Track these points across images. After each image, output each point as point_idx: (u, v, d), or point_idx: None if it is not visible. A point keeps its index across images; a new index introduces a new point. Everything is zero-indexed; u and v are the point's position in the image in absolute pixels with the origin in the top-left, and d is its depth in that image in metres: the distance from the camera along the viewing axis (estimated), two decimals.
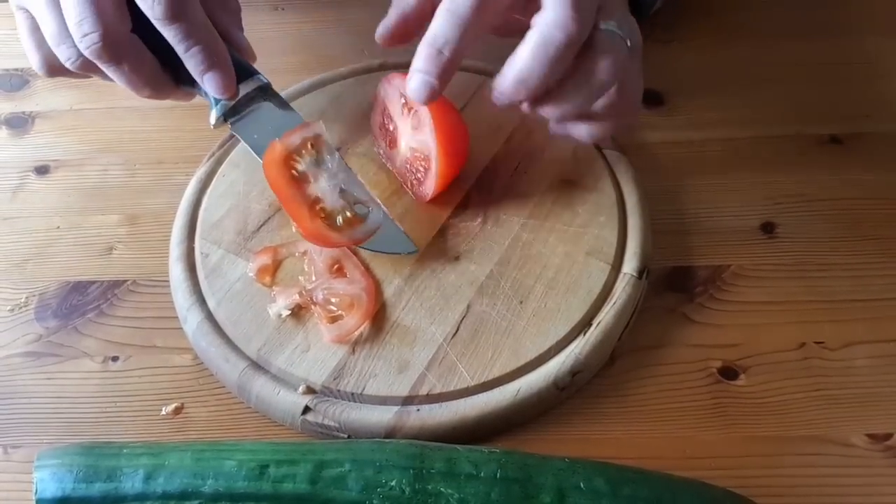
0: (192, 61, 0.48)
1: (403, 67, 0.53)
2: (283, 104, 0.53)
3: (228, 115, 0.51)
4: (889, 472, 0.44)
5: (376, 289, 0.50)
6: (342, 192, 0.50)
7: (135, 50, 0.48)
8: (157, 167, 0.60)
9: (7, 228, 0.57)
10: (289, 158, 0.50)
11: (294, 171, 0.50)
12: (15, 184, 0.60)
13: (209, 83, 0.49)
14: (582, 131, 0.49)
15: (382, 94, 0.55)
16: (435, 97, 0.45)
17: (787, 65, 0.64)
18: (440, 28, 0.44)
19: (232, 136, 0.59)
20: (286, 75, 0.63)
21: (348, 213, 0.50)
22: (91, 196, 0.59)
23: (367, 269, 0.50)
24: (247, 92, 0.51)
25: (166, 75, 0.50)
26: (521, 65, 0.43)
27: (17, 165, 0.61)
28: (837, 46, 0.65)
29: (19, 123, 0.64)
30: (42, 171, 0.60)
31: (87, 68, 0.48)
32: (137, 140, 0.62)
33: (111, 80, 0.49)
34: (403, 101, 0.53)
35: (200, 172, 0.57)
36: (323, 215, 0.49)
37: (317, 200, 0.50)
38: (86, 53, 0.46)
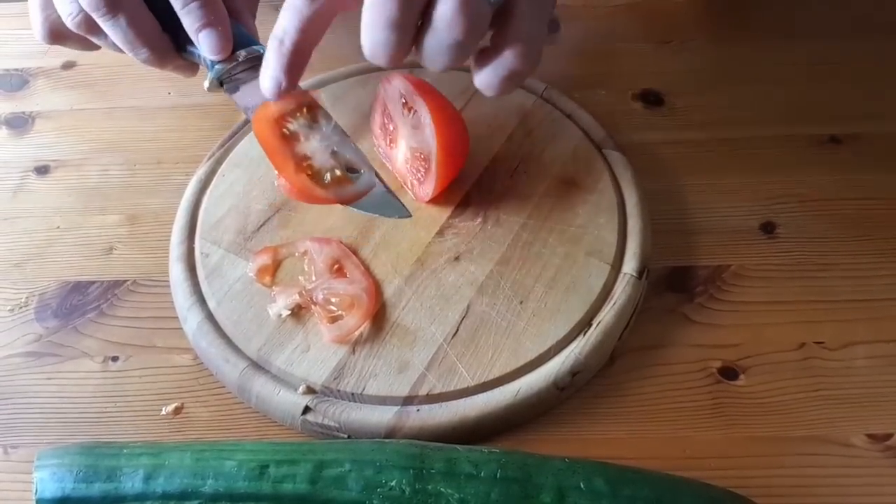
0: (188, 17, 0.47)
1: (403, 67, 0.54)
2: None
3: (225, 80, 0.49)
4: (889, 472, 0.44)
5: (376, 289, 0.50)
6: (334, 153, 0.48)
7: (134, 4, 0.47)
8: (158, 167, 0.60)
9: (7, 228, 0.57)
10: (281, 118, 0.48)
11: (285, 130, 0.48)
12: (15, 184, 0.60)
13: (204, 41, 0.48)
14: (478, 81, 0.42)
15: (382, 94, 0.55)
16: (284, 91, 0.44)
17: (787, 65, 0.64)
18: (281, 21, 0.43)
19: (232, 137, 0.59)
20: None
21: (338, 172, 0.47)
22: (91, 196, 0.59)
23: (368, 270, 0.51)
24: (245, 58, 0.49)
25: (166, 38, 0.49)
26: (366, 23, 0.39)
27: (17, 165, 0.61)
28: (837, 46, 0.65)
29: (19, 123, 0.64)
30: (42, 171, 0.60)
31: (87, 25, 0.47)
32: (137, 140, 0.62)
33: (111, 45, 0.49)
34: (403, 101, 0.53)
35: (200, 172, 0.57)
36: (310, 172, 0.47)
37: (305, 158, 0.47)
38: (83, 5, 0.46)
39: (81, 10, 0.47)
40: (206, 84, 0.49)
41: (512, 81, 0.41)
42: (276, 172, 0.49)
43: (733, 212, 0.55)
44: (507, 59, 0.40)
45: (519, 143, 0.57)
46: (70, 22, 0.48)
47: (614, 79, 0.63)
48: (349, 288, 0.49)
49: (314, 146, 0.48)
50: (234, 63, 0.49)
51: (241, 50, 0.49)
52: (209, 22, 0.47)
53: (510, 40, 0.39)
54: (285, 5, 0.43)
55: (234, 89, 0.49)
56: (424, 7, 0.38)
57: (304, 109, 0.49)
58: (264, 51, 0.48)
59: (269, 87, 0.44)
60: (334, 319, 0.48)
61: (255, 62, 0.49)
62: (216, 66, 0.49)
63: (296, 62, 0.43)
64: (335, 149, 0.48)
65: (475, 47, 0.40)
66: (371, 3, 0.38)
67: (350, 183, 0.47)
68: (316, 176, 0.47)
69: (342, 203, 0.47)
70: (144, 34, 0.48)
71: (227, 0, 0.49)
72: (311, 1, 0.41)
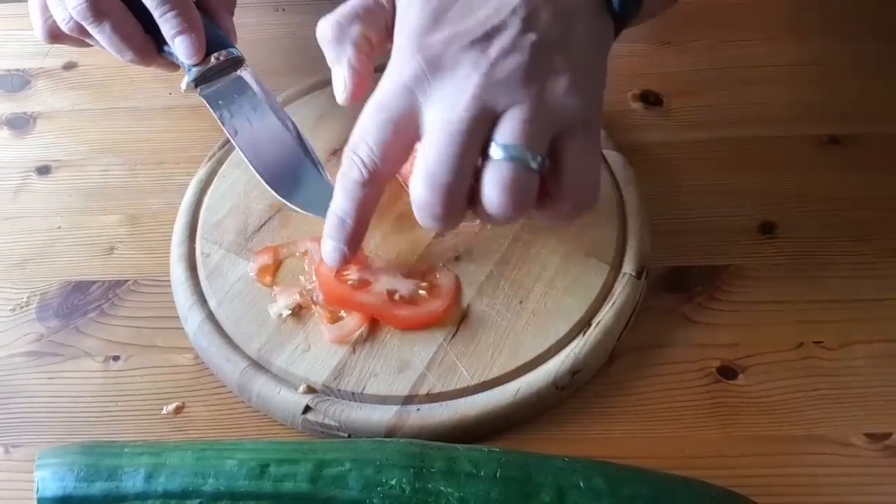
0: (165, 25, 0.51)
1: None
2: (256, 79, 0.54)
3: (200, 81, 0.52)
4: (888, 472, 0.44)
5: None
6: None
7: (118, 12, 0.51)
8: (158, 167, 0.60)
9: (8, 228, 0.57)
10: (339, 274, 0.49)
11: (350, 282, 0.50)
12: (16, 184, 0.60)
13: (180, 46, 0.51)
14: (542, 218, 0.43)
15: None
16: (347, 260, 0.46)
17: (786, 65, 0.64)
18: (338, 201, 0.45)
19: None
20: (287, 76, 0.63)
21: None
22: (92, 196, 0.59)
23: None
24: (218, 61, 0.52)
25: (149, 41, 0.53)
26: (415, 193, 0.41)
27: (18, 165, 0.61)
28: (837, 46, 0.65)
29: (21, 124, 0.64)
30: (43, 171, 0.60)
31: (79, 30, 0.52)
32: (138, 140, 0.62)
33: (101, 45, 0.53)
34: None
35: (201, 173, 0.57)
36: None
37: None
38: (73, 14, 0.51)
39: (72, 16, 0.51)
40: (183, 86, 0.53)
41: (575, 218, 0.44)
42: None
43: (733, 212, 0.55)
44: (565, 206, 0.42)
45: None
46: (64, 27, 0.52)
47: (614, 79, 0.62)
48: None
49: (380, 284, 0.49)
50: (209, 66, 0.52)
51: (216, 53, 0.52)
52: (183, 29, 0.51)
53: (565, 191, 0.41)
54: (339, 181, 0.44)
55: (209, 92, 0.53)
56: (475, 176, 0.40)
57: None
58: (238, 53, 0.53)
59: (334, 258, 0.46)
60: (335, 319, 0.48)
61: (229, 64, 0.53)
62: (192, 69, 0.52)
63: (357, 235, 0.45)
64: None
65: (529, 210, 0.41)
66: (423, 175, 0.40)
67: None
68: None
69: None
70: (128, 38, 0.52)
71: (204, 1, 0.54)
72: (362, 185, 0.43)
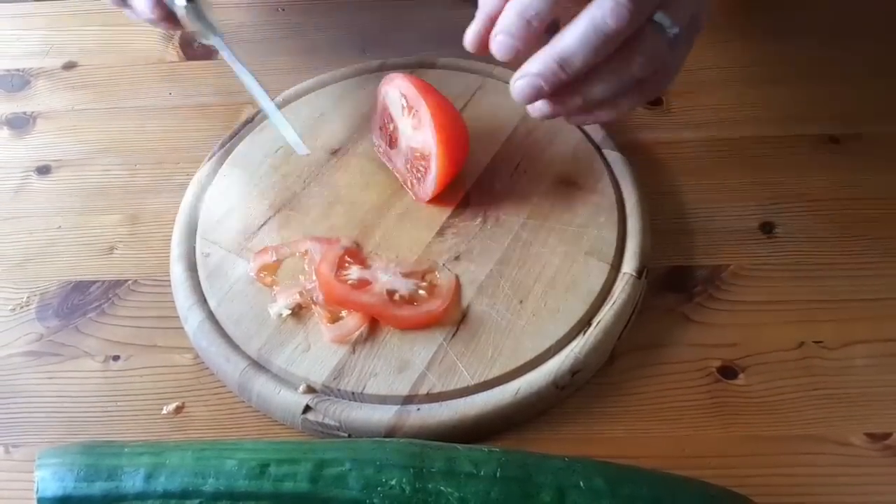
0: None
1: (403, 68, 0.54)
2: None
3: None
4: (888, 472, 0.44)
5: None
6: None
7: None
8: (158, 167, 0.60)
9: (8, 228, 0.57)
10: (338, 274, 0.50)
11: (350, 282, 0.50)
12: (16, 184, 0.60)
13: None
14: (601, 116, 0.48)
15: (383, 95, 0.55)
16: (515, 56, 0.45)
17: (786, 65, 0.64)
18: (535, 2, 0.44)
19: (233, 137, 0.59)
20: (287, 75, 0.63)
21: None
22: (92, 196, 0.59)
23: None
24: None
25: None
26: (566, 45, 0.43)
27: (18, 165, 0.61)
28: (837, 46, 0.65)
29: (21, 123, 0.64)
30: (43, 171, 0.60)
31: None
32: (138, 140, 0.62)
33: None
34: (404, 101, 0.53)
35: (201, 173, 0.57)
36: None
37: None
38: None
39: None
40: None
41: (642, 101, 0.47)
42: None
43: (732, 212, 0.55)
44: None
45: (519, 143, 0.57)
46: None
47: None
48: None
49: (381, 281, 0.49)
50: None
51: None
52: None
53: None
54: None
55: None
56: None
57: (346, 256, 0.51)
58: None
59: (505, 51, 0.44)
60: (335, 319, 0.48)
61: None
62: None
63: (534, 38, 0.44)
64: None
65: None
66: (592, 20, 0.42)
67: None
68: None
69: None
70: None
71: None
72: None
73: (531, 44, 0.44)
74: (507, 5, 0.44)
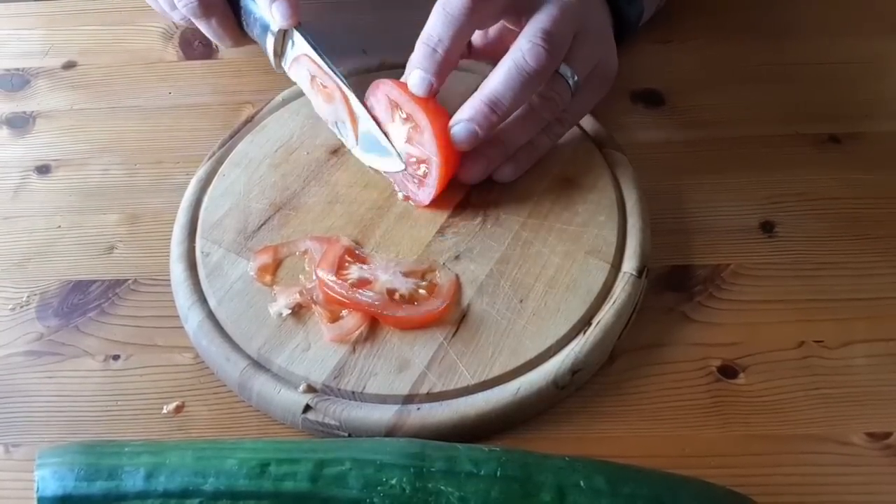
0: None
1: (403, 67, 0.54)
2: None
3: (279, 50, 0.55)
4: (888, 471, 0.44)
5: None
6: None
7: (221, 7, 0.56)
8: (158, 167, 0.60)
9: (8, 228, 0.57)
10: (339, 276, 0.50)
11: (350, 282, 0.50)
12: (16, 183, 0.60)
13: (276, 12, 0.54)
14: (522, 161, 0.54)
15: (371, 101, 0.54)
16: (433, 92, 0.50)
17: (786, 65, 0.64)
18: (434, 27, 0.49)
19: (233, 136, 0.59)
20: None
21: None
22: (92, 195, 0.59)
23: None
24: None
25: (239, 27, 0.58)
26: (493, 87, 0.49)
27: (18, 165, 0.61)
28: (837, 46, 0.65)
29: (20, 123, 0.64)
30: (43, 170, 0.60)
31: (188, 21, 0.59)
32: (138, 140, 0.62)
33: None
34: (393, 107, 0.52)
35: (201, 172, 0.57)
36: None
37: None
38: (182, 11, 0.56)
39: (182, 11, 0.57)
40: (271, 54, 0.56)
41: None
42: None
43: (733, 211, 0.55)
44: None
45: None
46: (177, 16, 0.60)
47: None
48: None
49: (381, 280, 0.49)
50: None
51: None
52: None
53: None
54: (437, 9, 0.49)
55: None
56: None
57: (346, 255, 0.51)
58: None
59: (421, 88, 0.50)
60: (335, 318, 0.48)
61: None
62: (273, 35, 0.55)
63: (446, 66, 0.50)
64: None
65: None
66: (514, 62, 0.48)
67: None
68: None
69: None
70: (230, 29, 0.57)
71: None
72: (469, 10, 0.48)
73: (443, 71, 0.50)
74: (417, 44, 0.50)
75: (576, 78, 0.50)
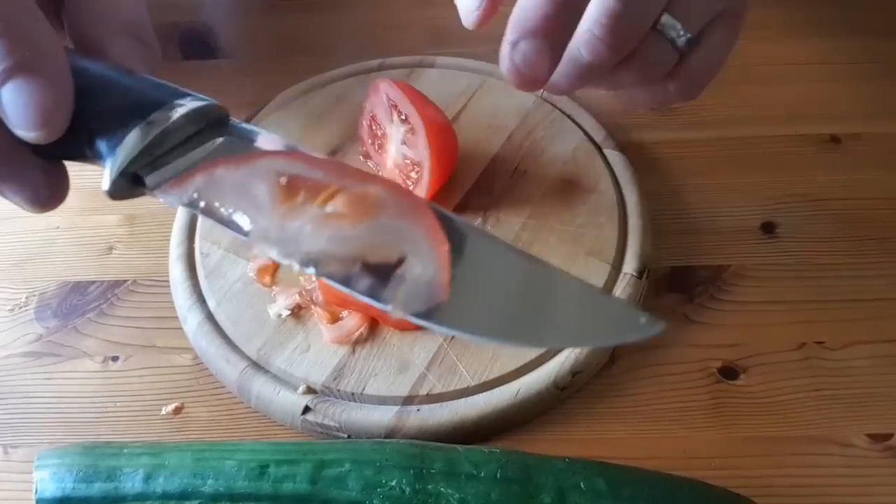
0: None
1: (403, 68, 0.54)
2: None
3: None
4: (889, 472, 0.44)
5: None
6: None
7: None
8: None
9: (7, 228, 0.57)
10: None
11: None
12: None
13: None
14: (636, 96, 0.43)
15: (371, 99, 0.54)
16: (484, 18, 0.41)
17: (787, 65, 0.64)
18: None
19: None
20: (286, 76, 0.63)
21: None
22: (91, 196, 0.58)
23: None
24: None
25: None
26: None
27: None
28: (838, 46, 0.65)
29: None
30: None
31: None
32: None
33: None
34: (392, 107, 0.52)
35: None
36: None
37: None
38: None
39: None
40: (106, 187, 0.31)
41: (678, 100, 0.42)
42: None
43: (733, 212, 0.55)
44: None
45: (519, 143, 0.57)
46: None
47: None
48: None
49: None
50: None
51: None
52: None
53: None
54: None
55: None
56: None
57: None
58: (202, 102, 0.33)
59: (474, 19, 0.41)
60: (335, 319, 0.48)
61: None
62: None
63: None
64: None
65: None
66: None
67: None
68: None
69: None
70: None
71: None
72: None
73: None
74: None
75: (688, 35, 0.39)
